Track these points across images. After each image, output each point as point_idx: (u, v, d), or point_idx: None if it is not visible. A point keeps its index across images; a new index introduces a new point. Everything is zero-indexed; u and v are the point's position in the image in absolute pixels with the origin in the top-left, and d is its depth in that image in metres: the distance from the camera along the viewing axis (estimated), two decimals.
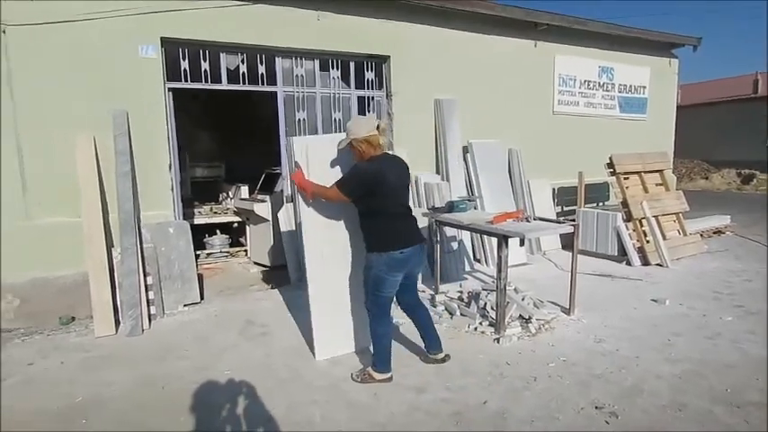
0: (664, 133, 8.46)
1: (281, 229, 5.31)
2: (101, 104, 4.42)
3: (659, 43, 8.01)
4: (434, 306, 4.42)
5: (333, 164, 3.32)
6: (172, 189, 4.87)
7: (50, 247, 4.34)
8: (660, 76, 8.24)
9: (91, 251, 4.19)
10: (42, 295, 4.31)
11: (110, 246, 4.41)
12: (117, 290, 4.25)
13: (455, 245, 5.58)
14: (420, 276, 3.54)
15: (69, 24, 4.30)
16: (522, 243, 3.89)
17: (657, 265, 5.87)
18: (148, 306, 4.31)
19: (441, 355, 3.39)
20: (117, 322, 4.18)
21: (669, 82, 8.40)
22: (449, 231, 5.51)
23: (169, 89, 4.84)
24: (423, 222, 5.20)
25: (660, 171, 6.58)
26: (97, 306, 4.10)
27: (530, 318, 4.00)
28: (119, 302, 4.23)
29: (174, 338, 3.95)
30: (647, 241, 6.00)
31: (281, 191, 5.67)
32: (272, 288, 5.21)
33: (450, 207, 4.57)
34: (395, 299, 3.21)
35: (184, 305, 4.65)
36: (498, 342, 3.71)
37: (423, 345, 3.44)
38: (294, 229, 5.22)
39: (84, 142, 4.38)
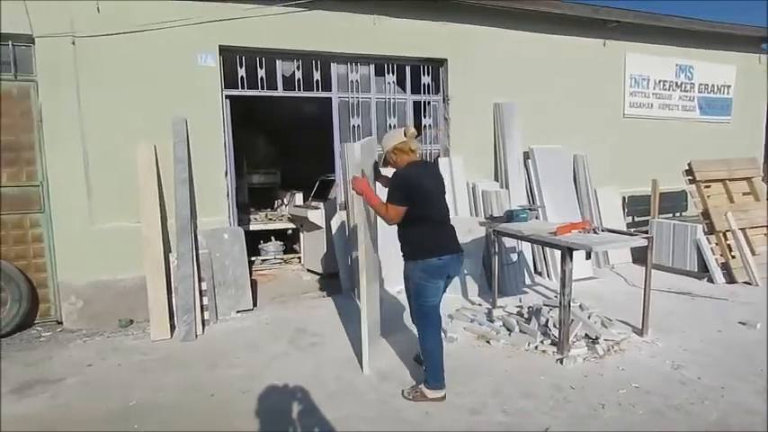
0: (752, 137, 7.83)
1: (334, 237, 5.33)
2: (161, 113, 4.58)
3: (747, 38, 7.42)
4: (491, 321, 4.28)
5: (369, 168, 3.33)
6: (227, 195, 4.97)
7: (112, 250, 4.53)
8: (748, 74, 7.64)
9: (149, 256, 4.33)
10: (104, 298, 4.50)
11: (167, 251, 4.54)
12: (173, 294, 4.36)
13: (514, 256, 5.41)
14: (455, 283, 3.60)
15: (132, 35, 4.51)
16: (588, 256, 3.72)
17: (745, 283, 5.39)
18: (202, 311, 4.39)
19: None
20: (172, 326, 4.29)
21: (758, 80, 7.76)
22: (508, 242, 5.35)
23: (226, 96, 4.96)
24: (479, 232, 5.14)
25: (748, 179, 6.05)
26: (154, 310, 4.23)
27: (596, 338, 3.79)
28: (174, 307, 4.34)
29: (225, 345, 4.01)
30: (733, 256, 5.51)
31: (335, 198, 5.70)
32: (324, 296, 5.23)
33: (510, 216, 4.40)
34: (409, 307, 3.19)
35: (237, 311, 4.72)
36: (561, 363, 3.52)
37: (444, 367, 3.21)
38: (347, 236, 5.22)
39: (145, 150, 4.55)
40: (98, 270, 4.50)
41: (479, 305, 4.82)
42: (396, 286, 4.98)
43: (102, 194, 4.54)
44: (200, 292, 4.43)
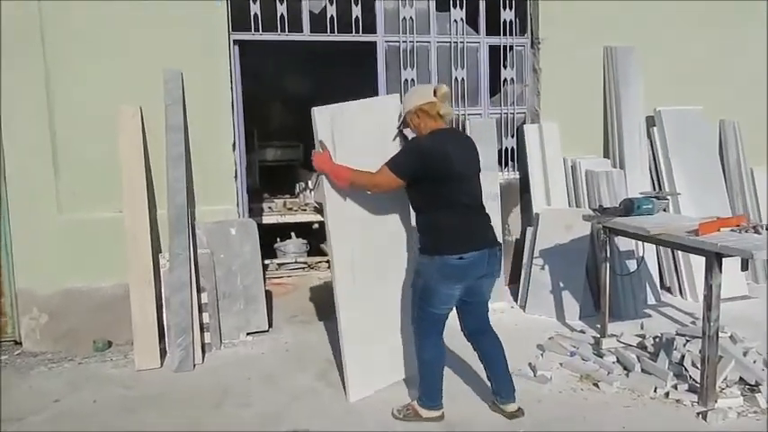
0: None
1: None
2: (149, 66, 4.65)
3: None
4: (600, 356, 4.20)
5: (368, 143, 3.52)
6: (236, 176, 5.03)
7: (86, 249, 4.64)
8: None
9: (134, 257, 4.42)
10: (74, 311, 4.62)
11: (157, 250, 4.62)
12: (164, 309, 4.44)
13: (632, 264, 5.28)
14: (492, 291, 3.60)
15: None
16: (745, 267, 3.61)
17: None
18: (202, 333, 4.44)
19: (512, 407, 3.46)
20: (163, 352, 4.37)
21: None
22: (623, 244, 5.22)
23: (235, 42, 5.02)
24: (582, 229, 5.09)
25: None
26: (139, 330, 4.31)
27: (757, 384, 3.68)
28: (166, 326, 4.41)
29: (233, 378, 4.05)
30: None
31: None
32: None
33: (628, 208, 4.28)
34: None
35: (248, 333, 4.78)
36: (705, 419, 3.42)
37: (491, 387, 3.54)
38: None
39: (128, 114, 4.62)
40: (67, 275, 4.62)
41: (582, 332, 4.74)
42: None
43: (75, 175, 4.64)
44: (200, 306, 4.47)
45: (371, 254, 3.70)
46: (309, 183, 7.34)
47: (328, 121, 3.48)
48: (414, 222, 3.43)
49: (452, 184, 3.15)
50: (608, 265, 4.52)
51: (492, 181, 5.43)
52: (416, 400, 3.44)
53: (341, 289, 3.63)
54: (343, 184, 3.38)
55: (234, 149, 5.01)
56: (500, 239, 5.26)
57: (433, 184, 3.13)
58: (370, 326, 3.72)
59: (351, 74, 7.29)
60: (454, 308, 3.39)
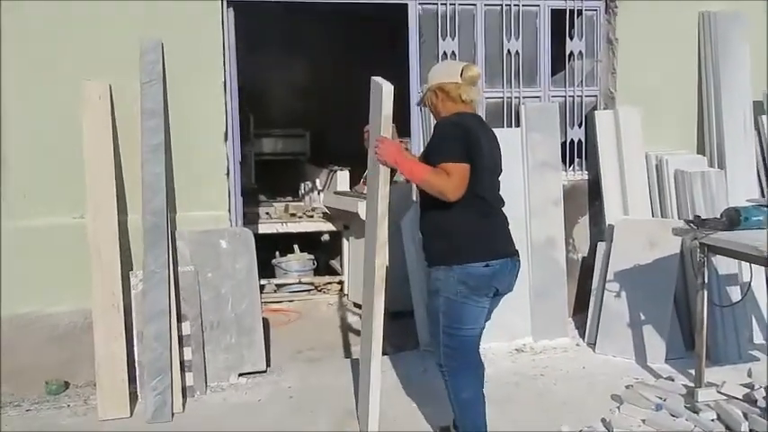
0: None
1: (407, 248, 5.34)
2: (123, 33, 4.65)
3: None
4: (695, 411, 4.10)
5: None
6: (228, 174, 5.01)
7: (39, 264, 4.61)
8: None
9: (98, 275, 4.38)
10: (23, 343, 4.58)
11: (127, 267, 4.59)
12: (135, 343, 4.39)
13: (736, 292, 5.18)
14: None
15: None
16: None
17: None
18: (183, 373, 4.41)
19: None
20: (133, 397, 4.31)
21: None
22: (725, 266, 5.14)
23: (229, 3, 4.99)
24: (669, 246, 5.04)
25: None
26: (103, 368, 4.25)
27: None
28: (137, 364, 4.36)
29: (221, 429, 4.03)
30: None
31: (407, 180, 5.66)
32: (388, 353, 5.21)
33: (734, 220, 4.19)
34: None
35: (240, 374, 4.74)
36: None
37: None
38: None
39: (93, 95, 4.57)
40: (14, 298, 4.60)
41: (669, 379, 4.65)
42: None
43: (25, 171, 4.64)
44: (181, 339, 4.45)
45: None
46: (317, 182, 7.30)
47: (390, 99, 3.44)
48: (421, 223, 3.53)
49: (485, 175, 3.27)
50: (705, 292, 4.42)
51: (553, 182, 5.42)
52: None
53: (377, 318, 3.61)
54: (417, 182, 3.39)
55: (226, 140, 4.99)
56: (562, 256, 5.48)
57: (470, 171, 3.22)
58: None
59: (375, 46, 7.24)
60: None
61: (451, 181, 3.16)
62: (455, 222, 3.26)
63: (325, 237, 6.97)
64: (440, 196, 3.23)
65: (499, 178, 3.47)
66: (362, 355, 3.73)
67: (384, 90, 3.43)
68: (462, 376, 3.40)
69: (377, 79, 3.57)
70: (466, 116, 3.36)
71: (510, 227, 3.49)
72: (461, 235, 3.26)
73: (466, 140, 3.20)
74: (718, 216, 4.38)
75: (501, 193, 3.48)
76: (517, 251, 3.44)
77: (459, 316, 3.29)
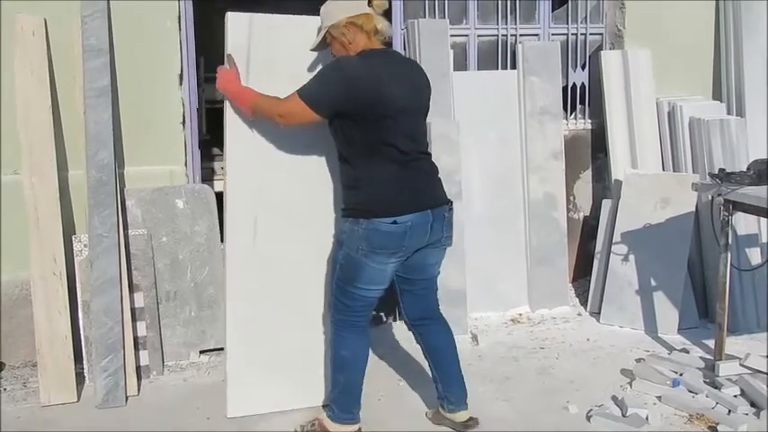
0: None
1: None
2: None
3: None
4: (716, 387, 4.11)
5: (295, 73, 3.65)
6: (183, 123, 4.91)
7: None
8: None
9: (36, 239, 4.29)
10: None
11: (69, 230, 4.50)
12: (80, 317, 4.33)
13: (756, 254, 5.23)
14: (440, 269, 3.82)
15: None
16: None
17: None
18: (136, 351, 4.38)
19: (463, 416, 3.69)
20: (80, 378, 4.26)
21: None
22: (749, 225, 5.14)
23: None
24: (684, 203, 5.06)
25: None
26: (45, 347, 4.18)
27: None
28: (83, 342, 4.31)
29: (182, 417, 3.97)
30: None
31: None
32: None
33: (762, 173, 4.19)
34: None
35: (201, 352, 4.72)
36: None
37: (437, 391, 3.79)
38: None
39: (26, 30, 4.42)
40: None
41: (684, 351, 4.65)
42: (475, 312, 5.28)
43: None
44: (133, 312, 4.42)
45: (283, 216, 3.85)
46: None
47: (246, 31, 3.69)
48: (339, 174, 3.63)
49: (388, 122, 3.27)
50: (727, 255, 4.40)
51: (554, 132, 5.40)
52: (326, 412, 3.64)
53: (234, 263, 3.79)
54: (247, 111, 3.55)
55: (181, 83, 4.87)
56: (562, 216, 5.46)
57: (362, 121, 3.25)
58: (273, 320, 3.87)
59: None
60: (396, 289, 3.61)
61: (282, 105, 3.34)
62: (364, 175, 3.33)
63: None
64: (273, 122, 3.46)
65: (422, 119, 3.52)
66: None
67: (229, 24, 3.66)
68: (346, 333, 3.51)
69: (230, 14, 3.69)
70: (372, 55, 3.35)
71: (436, 174, 3.51)
72: (370, 188, 3.32)
73: (345, 90, 3.23)
74: (745, 169, 4.36)
75: (422, 137, 3.52)
76: (443, 200, 3.48)
77: (355, 274, 3.38)
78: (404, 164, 3.34)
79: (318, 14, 3.46)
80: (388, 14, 5.22)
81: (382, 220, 3.25)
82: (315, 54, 3.71)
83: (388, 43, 3.64)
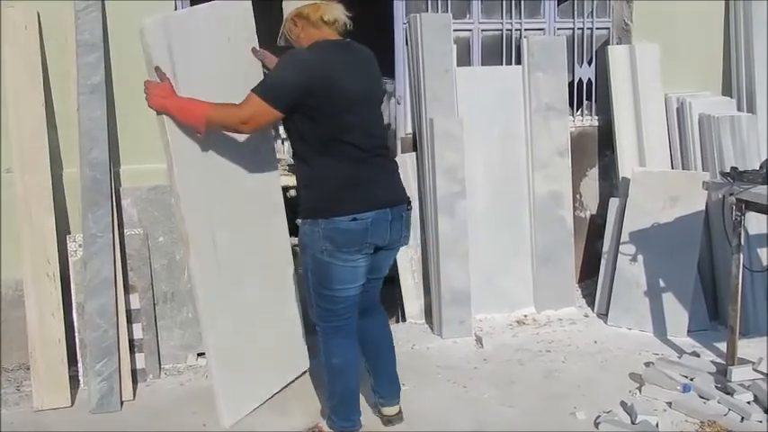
0: None
1: None
2: None
3: None
4: (728, 392, 4.09)
5: (222, 71, 3.72)
6: None
7: None
8: None
9: (28, 239, 4.25)
10: None
11: (63, 230, 4.46)
12: (74, 319, 4.31)
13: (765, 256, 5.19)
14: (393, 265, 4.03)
15: None
16: None
17: None
18: (132, 354, 4.37)
19: (392, 410, 3.78)
20: (74, 382, 4.24)
21: None
22: (761, 224, 5.09)
23: None
24: (694, 202, 5.02)
25: None
26: (38, 349, 4.15)
27: None
28: (78, 344, 4.29)
29: (177, 421, 3.97)
30: None
31: (389, 124, 5.63)
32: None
33: None
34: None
35: (199, 354, 4.67)
36: None
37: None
38: (415, 195, 5.24)
39: (17, 23, 4.38)
40: None
41: (695, 354, 4.63)
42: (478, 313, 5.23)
43: None
44: (129, 314, 4.38)
45: (239, 227, 3.91)
46: (280, 131, 7.14)
47: (163, 37, 3.48)
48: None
49: (342, 116, 3.27)
50: (739, 256, 4.38)
51: (559, 129, 5.34)
52: (326, 421, 3.65)
53: (202, 283, 3.75)
54: (198, 126, 3.39)
55: None
56: (569, 214, 5.41)
57: (316, 115, 3.25)
58: (241, 323, 3.93)
59: None
60: None
61: (242, 111, 3.25)
62: (321, 172, 3.34)
63: (291, 192, 6.79)
64: (232, 131, 3.45)
65: (377, 111, 3.54)
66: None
67: (146, 34, 3.43)
68: (335, 340, 3.52)
69: (145, 22, 3.47)
70: (322, 46, 3.35)
71: (395, 171, 3.56)
72: (327, 186, 3.33)
73: (300, 83, 3.21)
74: (758, 167, 4.36)
75: (379, 129, 3.56)
76: (402, 198, 3.49)
77: (327, 275, 3.37)
78: (361, 161, 3.35)
79: None
80: (389, 8, 5.34)
81: (341, 218, 3.26)
82: (247, 44, 3.81)
83: (349, 32, 3.57)
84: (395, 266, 5.26)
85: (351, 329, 3.55)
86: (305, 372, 4.27)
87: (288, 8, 3.44)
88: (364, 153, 3.36)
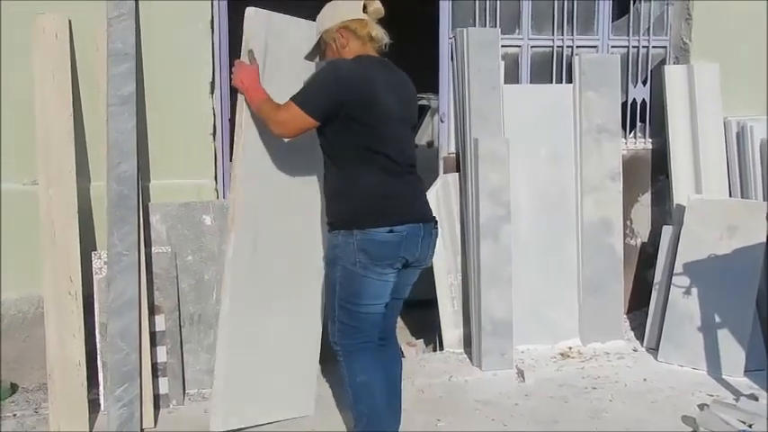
0: None
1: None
2: None
3: None
4: None
5: (301, 76, 3.79)
6: (214, 134, 4.85)
7: None
8: None
9: (52, 256, 4.22)
10: None
11: (88, 246, 4.44)
12: (97, 341, 4.29)
13: None
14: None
15: None
16: None
17: None
18: (155, 379, 4.33)
19: None
20: (94, 405, 4.20)
21: None
22: None
23: None
24: (754, 233, 4.94)
25: None
26: (57, 370, 4.10)
27: None
28: (99, 366, 4.27)
29: None
30: None
31: (432, 143, 5.82)
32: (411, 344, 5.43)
33: None
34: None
35: None
36: None
37: None
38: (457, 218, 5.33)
39: (48, 32, 4.36)
40: None
41: (753, 397, 4.44)
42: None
43: None
44: (153, 337, 4.36)
45: (283, 236, 4.00)
46: None
47: (264, 30, 3.78)
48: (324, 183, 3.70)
49: (381, 129, 3.32)
50: None
51: (611, 152, 5.26)
52: None
53: (234, 281, 3.83)
54: (253, 106, 3.63)
55: (212, 92, 4.80)
56: (619, 242, 5.33)
57: (353, 125, 3.28)
58: (269, 336, 3.96)
59: None
60: None
61: (280, 114, 3.35)
62: (356, 182, 3.34)
63: None
64: (269, 129, 3.51)
65: (410, 131, 3.63)
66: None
67: (249, 20, 3.74)
68: (359, 358, 3.47)
69: (250, 9, 3.78)
70: (366, 60, 3.42)
71: (424, 190, 3.61)
72: (363, 196, 3.33)
73: (340, 93, 3.27)
74: None
75: (411, 150, 3.57)
76: (432, 216, 3.52)
77: (357, 289, 3.35)
78: (396, 174, 3.38)
79: None
80: (434, 21, 5.34)
81: (378, 229, 3.26)
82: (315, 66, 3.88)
83: (385, 53, 3.66)
84: (433, 292, 5.30)
85: (374, 348, 3.53)
86: (304, 416, 4.18)
87: (330, 20, 3.49)
88: (398, 167, 3.39)
